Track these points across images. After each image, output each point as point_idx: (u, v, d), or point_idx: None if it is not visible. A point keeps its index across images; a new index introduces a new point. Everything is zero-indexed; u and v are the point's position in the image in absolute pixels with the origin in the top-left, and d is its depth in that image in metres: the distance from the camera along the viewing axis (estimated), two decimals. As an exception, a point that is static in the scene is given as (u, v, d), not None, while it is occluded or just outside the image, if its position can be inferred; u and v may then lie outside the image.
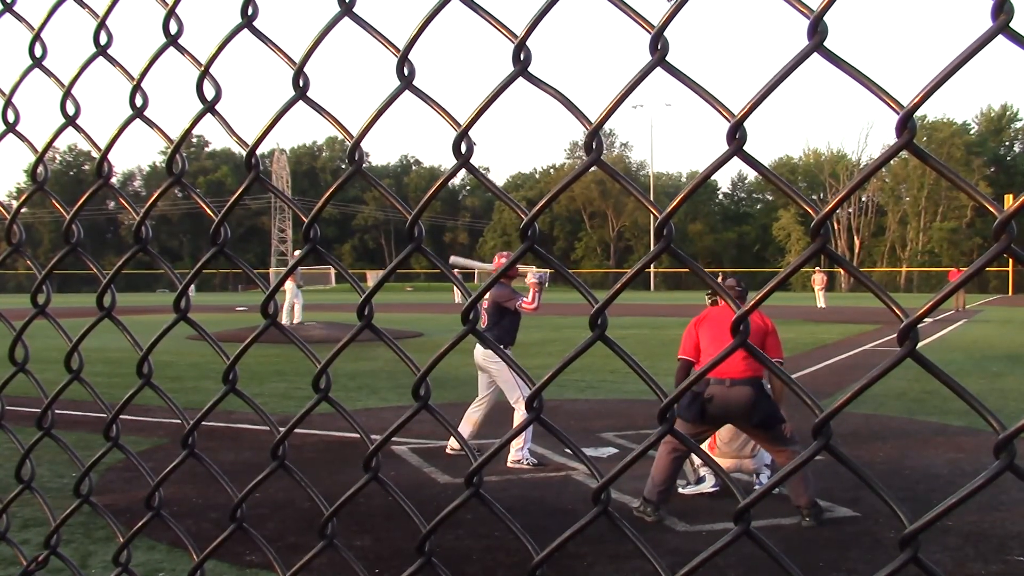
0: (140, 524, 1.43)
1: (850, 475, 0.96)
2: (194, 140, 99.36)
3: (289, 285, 23.98)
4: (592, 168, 1.00)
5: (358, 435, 1.22)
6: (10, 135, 1.51)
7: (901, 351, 0.85)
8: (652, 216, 0.95)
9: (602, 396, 12.41)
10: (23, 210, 1.47)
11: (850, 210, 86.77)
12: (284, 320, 22.63)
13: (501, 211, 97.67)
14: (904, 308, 0.86)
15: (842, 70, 0.86)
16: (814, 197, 77.26)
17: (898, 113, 0.82)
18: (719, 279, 7.05)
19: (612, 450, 8.83)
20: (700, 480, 7.27)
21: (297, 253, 1.18)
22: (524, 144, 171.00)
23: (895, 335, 0.86)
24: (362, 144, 1.16)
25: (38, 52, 1.42)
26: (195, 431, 1.37)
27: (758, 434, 6.52)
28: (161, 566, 5.19)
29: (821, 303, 40.98)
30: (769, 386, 6.59)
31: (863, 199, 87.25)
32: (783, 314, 33.23)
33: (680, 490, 7.10)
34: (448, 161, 1.04)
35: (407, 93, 1.12)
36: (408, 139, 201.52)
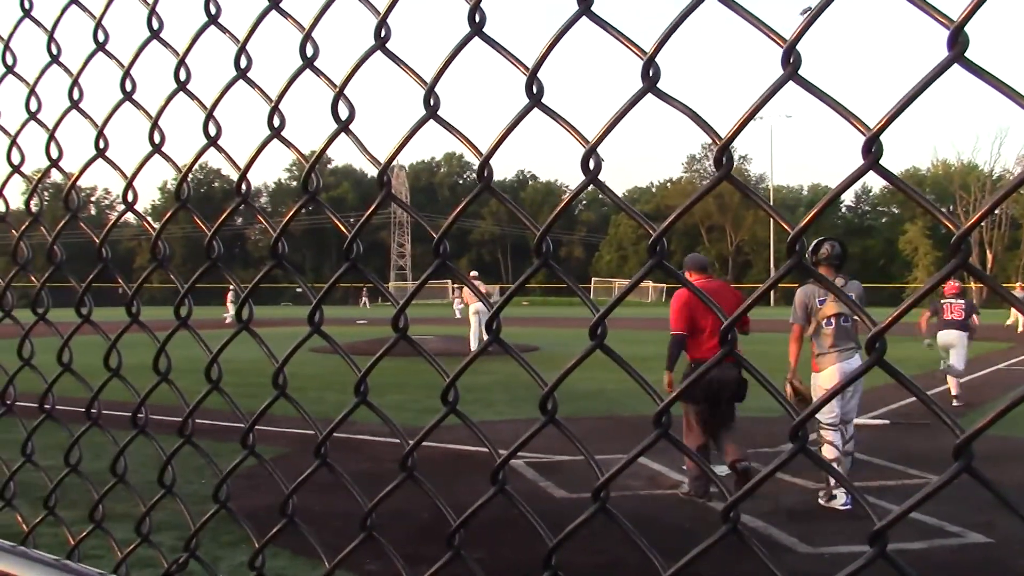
0: (275, 530, 1.49)
1: (982, 498, 0.92)
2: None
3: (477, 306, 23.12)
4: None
5: (470, 447, 1.23)
6: (154, 156, 1.59)
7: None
8: (784, 231, 0.93)
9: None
10: (157, 226, 1.55)
11: (982, 224, 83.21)
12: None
13: (617, 225, 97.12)
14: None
15: (985, 81, 0.83)
16: (943, 210, 74.35)
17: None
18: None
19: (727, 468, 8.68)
20: (832, 496, 7.22)
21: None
22: (639, 157, 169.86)
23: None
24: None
25: (183, 76, 1.50)
26: (327, 441, 1.42)
27: (725, 412, 7.73)
28: (285, 572, 5.34)
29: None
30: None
31: (996, 212, 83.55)
32: (904, 330, 31.96)
33: (819, 499, 7.34)
34: (565, 176, 1.04)
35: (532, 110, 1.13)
36: (525, 154, 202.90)
